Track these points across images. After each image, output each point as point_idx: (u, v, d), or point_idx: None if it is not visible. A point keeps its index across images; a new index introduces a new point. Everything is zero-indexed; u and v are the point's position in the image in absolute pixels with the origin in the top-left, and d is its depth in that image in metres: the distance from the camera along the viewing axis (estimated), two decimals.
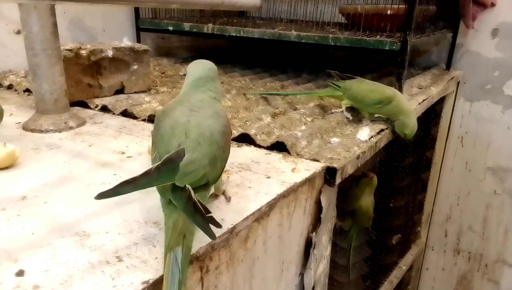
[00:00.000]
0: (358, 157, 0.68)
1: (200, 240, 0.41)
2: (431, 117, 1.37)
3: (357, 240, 1.05)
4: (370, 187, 0.97)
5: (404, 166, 1.31)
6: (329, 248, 0.78)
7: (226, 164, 0.48)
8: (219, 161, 0.44)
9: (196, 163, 0.40)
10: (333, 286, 1.21)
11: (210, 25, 1.20)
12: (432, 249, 1.63)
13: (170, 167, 0.38)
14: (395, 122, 0.80)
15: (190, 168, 0.40)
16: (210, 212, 0.37)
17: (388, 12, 1.04)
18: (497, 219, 1.47)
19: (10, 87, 0.97)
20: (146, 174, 0.37)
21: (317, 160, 0.63)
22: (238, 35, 1.16)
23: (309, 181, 0.59)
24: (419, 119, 1.25)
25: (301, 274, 0.65)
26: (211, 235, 0.36)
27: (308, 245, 0.64)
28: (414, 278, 1.65)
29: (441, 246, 1.61)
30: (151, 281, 0.35)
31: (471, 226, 1.53)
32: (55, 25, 0.70)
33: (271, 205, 0.51)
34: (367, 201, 0.97)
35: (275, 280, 0.57)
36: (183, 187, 0.38)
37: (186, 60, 1.37)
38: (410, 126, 0.78)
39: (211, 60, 0.56)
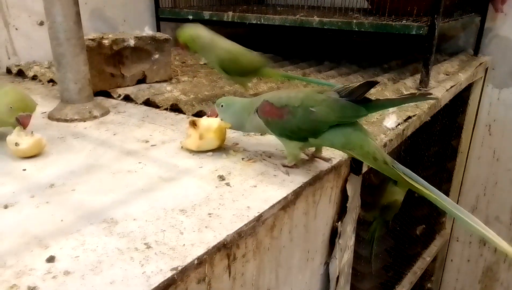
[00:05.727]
0: (385, 145, 0.66)
1: (227, 228, 0.41)
2: (457, 104, 1.32)
3: (380, 232, 1.03)
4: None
5: (429, 155, 1.27)
6: (353, 238, 0.76)
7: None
8: None
9: None
10: (355, 277, 1.20)
11: (230, 13, 1.19)
12: (457, 240, 1.60)
13: None
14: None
15: None
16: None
17: None
18: None
19: (34, 78, 0.99)
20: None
21: None
22: (258, 22, 1.14)
23: (335, 169, 0.57)
24: (446, 106, 1.22)
25: (326, 264, 0.64)
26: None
27: (333, 235, 0.63)
28: (438, 269, 1.62)
29: (466, 237, 1.57)
30: (180, 268, 0.35)
31: (498, 217, 1.48)
32: (78, 14, 0.70)
33: (297, 193, 0.50)
34: (401, 196, 0.95)
35: (300, 269, 0.57)
36: None
37: None
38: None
39: None
